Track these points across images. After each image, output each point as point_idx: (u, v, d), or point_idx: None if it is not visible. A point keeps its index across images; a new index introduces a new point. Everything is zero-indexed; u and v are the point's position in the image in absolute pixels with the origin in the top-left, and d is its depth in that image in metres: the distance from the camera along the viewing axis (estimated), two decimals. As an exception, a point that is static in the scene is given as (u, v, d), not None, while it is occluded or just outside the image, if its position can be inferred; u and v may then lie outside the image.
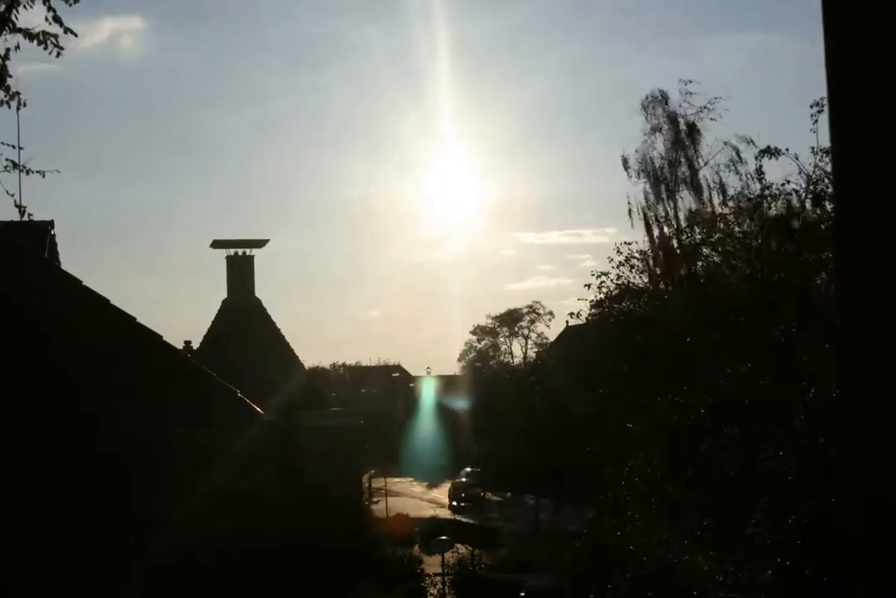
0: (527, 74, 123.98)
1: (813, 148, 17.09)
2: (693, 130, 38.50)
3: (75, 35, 6.41)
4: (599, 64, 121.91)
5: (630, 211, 38.80)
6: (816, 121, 16.20)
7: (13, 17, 6.20)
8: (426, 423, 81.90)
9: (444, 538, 34.45)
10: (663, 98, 39.03)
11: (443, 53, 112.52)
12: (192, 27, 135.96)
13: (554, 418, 56.40)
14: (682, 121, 38.72)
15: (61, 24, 6.34)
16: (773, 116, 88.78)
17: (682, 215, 36.67)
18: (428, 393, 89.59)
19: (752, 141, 36.09)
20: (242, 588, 13.78)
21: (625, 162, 39.51)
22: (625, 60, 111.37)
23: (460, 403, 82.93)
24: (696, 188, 37.67)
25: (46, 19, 6.26)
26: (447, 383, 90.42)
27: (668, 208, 38.08)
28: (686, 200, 37.88)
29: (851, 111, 3.84)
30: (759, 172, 19.79)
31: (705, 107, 37.94)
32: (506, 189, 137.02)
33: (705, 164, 37.80)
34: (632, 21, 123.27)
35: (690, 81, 38.42)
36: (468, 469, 68.56)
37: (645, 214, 38.45)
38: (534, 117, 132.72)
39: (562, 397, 54.37)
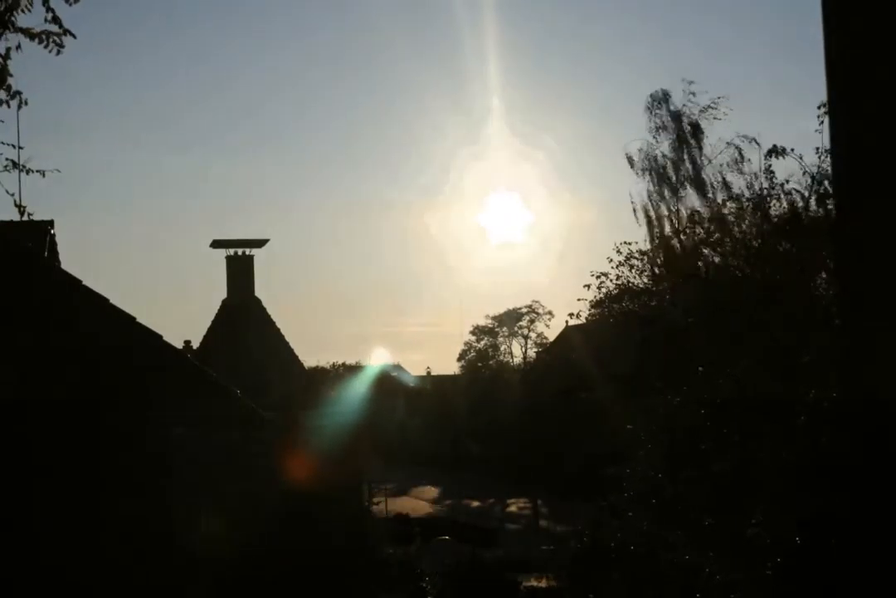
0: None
1: (818, 148, 17.04)
2: (696, 129, 38.74)
3: (74, 37, 6.41)
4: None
5: (634, 210, 39.04)
6: (822, 121, 16.02)
7: (13, 18, 6.21)
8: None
9: (444, 537, 34.47)
10: (666, 97, 39.32)
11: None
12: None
13: (553, 419, 56.48)
14: (685, 120, 38.99)
15: (60, 25, 6.36)
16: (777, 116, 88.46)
17: (685, 214, 36.81)
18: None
19: (755, 140, 36.20)
20: (242, 589, 13.78)
21: (629, 161, 39.78)
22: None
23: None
24: (699, 187, 37.84)
25: (46, 20, 6.27)
26: (447, 382, 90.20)
27: (672, 207, 38.30)
28: (689, 199, 38.06)
29: (851, 111, 3.85)
30: (769, 171, 19.76)
31: (709, 106, 38.21)
32: (505, 191, 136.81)
33: (709, 162, 37.93)
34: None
35: (693, 82, 38.79)
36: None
37: (647, 213, 38.68)
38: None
39: (561, 397, 54.32)
